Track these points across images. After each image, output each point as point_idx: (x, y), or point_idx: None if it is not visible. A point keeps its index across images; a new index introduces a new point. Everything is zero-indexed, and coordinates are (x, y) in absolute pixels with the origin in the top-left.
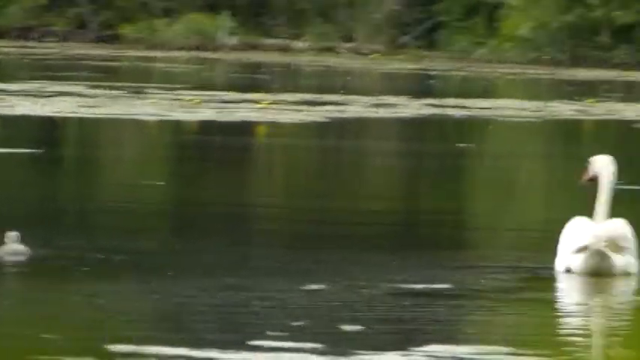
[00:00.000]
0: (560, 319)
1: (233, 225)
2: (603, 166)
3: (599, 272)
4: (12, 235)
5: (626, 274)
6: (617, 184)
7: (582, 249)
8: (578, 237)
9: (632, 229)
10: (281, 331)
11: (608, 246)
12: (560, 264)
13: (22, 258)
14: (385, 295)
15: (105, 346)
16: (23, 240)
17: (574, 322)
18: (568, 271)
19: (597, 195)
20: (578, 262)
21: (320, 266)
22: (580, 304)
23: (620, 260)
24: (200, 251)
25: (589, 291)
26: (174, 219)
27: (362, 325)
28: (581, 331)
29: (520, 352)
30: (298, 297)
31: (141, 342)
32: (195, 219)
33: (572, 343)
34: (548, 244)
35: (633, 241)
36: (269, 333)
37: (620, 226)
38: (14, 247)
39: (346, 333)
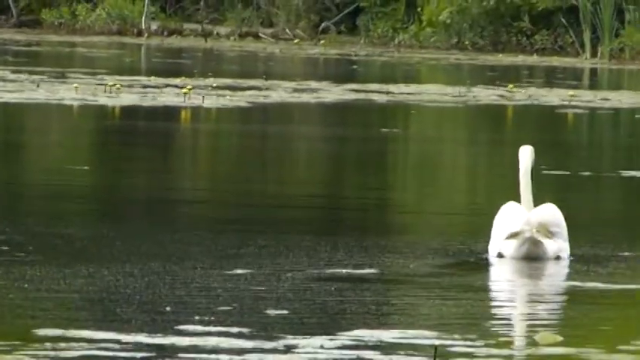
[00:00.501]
0: (489, 304)
1: (158, 210)
2: (520, 155)
3: (531, 258)
4: None
5: (558, 258)
6: (540, 169)
7: (514, 235)
8: (510, 223)
9: (561, 214)
10: (207, 315)
11: (539, 231)
12: (492, 249)
13: None
14: (311, 280)
15: (32, 330)
16: None
17: (502, 307)
18: (500, 256)
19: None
20: (510, 247)
21: (245, 251)
22: (509, 290)
23: (552, 245)
24: (125, 236)
25: (519, 276)
26: (99, 204)
27: (287, 310)
28: (509, 317)
29: (446, 336)
30: (223, 281)
31: (68, 326)
32: (120, 204)
33: (500, 328)
34: (475, 229)
35: (564, 225)
36: (195, 318)
37: (552, 212)
38: None
39: (272, 317)
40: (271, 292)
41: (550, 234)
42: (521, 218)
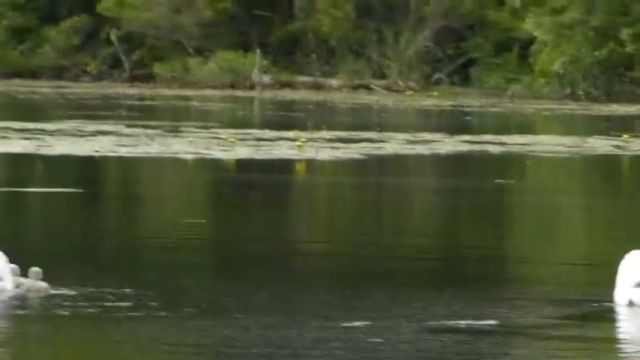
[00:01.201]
0: (614, 356)
1: (274, 262)
2: None
3: None
4: (35, 270)
5: None
6: None
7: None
8: (632, 271)
9: None
10: None
11: None
12: (620, 297)
13: (42, 294)
14: (428, 332)
15: None
16: (50, 277)
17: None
18: (630, 304)
19: None
20: (627, 295)
21: (362, 303)
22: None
23: None
24: (241, 289)
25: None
26: (215, 256)
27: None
28: None
29: None
30: (340, 334)
31: None
32: (236, 256)
33: None
34: (594, 280)
35: None
36: None
37: None
38: (35, 282)
39: None
40: (387, 344)
41: None
42: None
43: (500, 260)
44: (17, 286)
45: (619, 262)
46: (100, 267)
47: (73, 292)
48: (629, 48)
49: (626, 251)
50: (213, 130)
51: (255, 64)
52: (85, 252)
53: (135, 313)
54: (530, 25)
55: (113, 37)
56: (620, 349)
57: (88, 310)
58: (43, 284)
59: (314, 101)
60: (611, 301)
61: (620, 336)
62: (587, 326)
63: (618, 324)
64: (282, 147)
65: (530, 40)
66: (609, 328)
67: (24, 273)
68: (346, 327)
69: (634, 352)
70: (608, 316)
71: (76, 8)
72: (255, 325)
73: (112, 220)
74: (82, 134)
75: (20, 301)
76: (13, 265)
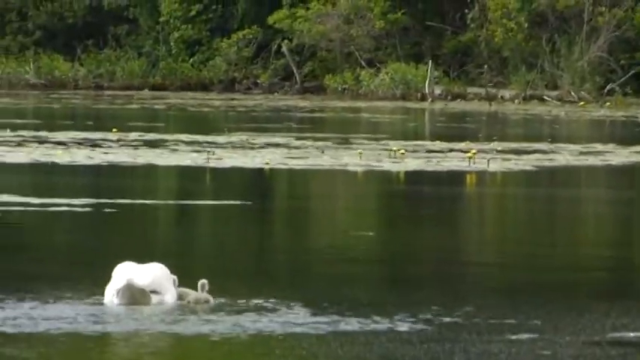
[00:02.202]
0: None
1: (444, 274)
2: None
3: None
4: (203, 282)
5: None
6: None
7: None
8: None
9: None
10: None
11: None
12: None
13: (205, 305)
14: (594, 345)
15: None
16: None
17: None
18: None
19: None
20: None
21: (532, 315)
22: None
23: None
24: (414, 303)
25: None
26: (381, 270)
27: None
28: None
29: None
30: (505, 346)
31: None
32: (404, 270)
33: None
34: None
35: None
36: None
37: None
38: (199, 294)
39: None
40: (552, 357)
41: None
42: None
43: None
44: (181, 297)
45: None
46: (267, 280)
47: (236, 304)
48: None
49: None
50: (384, 141)
51: (426, 75)
52: (253, 265)
53: (298, 320)
54: None
55: (284, 49)
56: None
57: (246, 322)
58: (206, 296)
59: (485, 113)
60: None
61: None
62: None
63: None
64: (453, 159)
65: None
66: None
67: (188, 284)
68: (513, 339)
69: None
70: None
71: (247, 20)
72: (418, 339)
73: (280, 232)
74: (251, 147)
75: (183, 311)
76: (172, 276)
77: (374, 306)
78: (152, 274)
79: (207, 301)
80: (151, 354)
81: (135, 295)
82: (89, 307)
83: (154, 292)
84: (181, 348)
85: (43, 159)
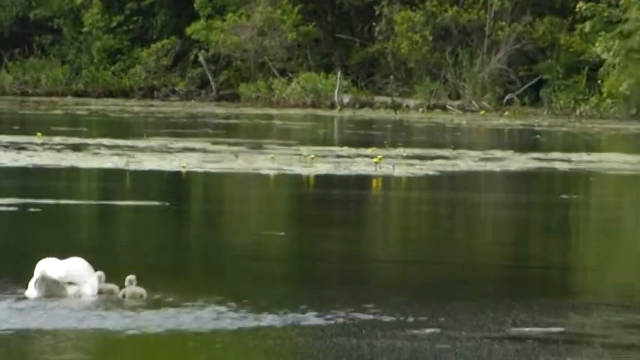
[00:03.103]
0: None
1: (350, 272)
2: None
3: None
4: (130, 278)
5: None
6: None
7: None
8: None
9: None
10: None
11: None
12: None
13: (141, 300)
14: (493, 340)
15: None
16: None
17: None
18: None
19: None
20: None
21: (432, 311)
22: None
23: None
24: (322, 299)
25: None
26: (292, 268)
27: None
28: None
29: None
30: (408, 340)
31: None
32: (312, 268)
33: None
34: None
35: None
36: None
37: None
38: (133, 289)
39: None
40: (452, 351)
41: None
42: None
43: (565, 270)
44: (101, 292)
45: None
46: (185, 276)
47: (154, 300)
48: None
49: None
50: (295, 147)
51: (336, 84)
52: (171, 262)
53: (213, 320)
54: (599, 49)
55: (201, 59)
56: None
57: (162, 317)
58: (140, 290)
59: (391, 120)
60: None
61: None
62: None
63: None
64: (360, 164)
65: (599, 63)
66: None
67: (112, 280)
68: (415, 335)
69: None
70: None
71: (166, 31)
72: (328, 333)
73: (197, 232)
74: (169, 151)
75: (119, 305)
76: (99, 272)
77: (285, 302)
78: (67, 267)
79: (141, 296)
80: (72, 348)
81: (50, 287)
82: (11, 301)
83: (70, 283)
84: (97, 343)
85: None
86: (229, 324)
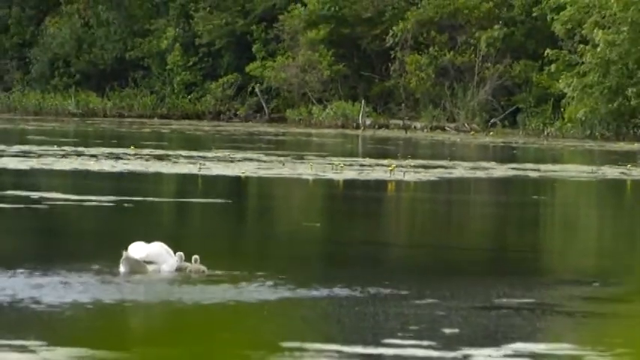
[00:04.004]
0: (615, 325)
1: (369, 254)
2: None
3: None
4: (195, 257)
5: None
6: None
7: None
8: None
9: None
10: (402, 332)
11: None
12: None
13: (201, 275)
14: (479, 309)
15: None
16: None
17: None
18: None
19: None
20: None
21: (433, 286)
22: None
23: None
24: (347, 276)
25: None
26: (325, 250)
27: (459, 329)
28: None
29: (580, 349)
30: (415, 308)
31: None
32: (342, 250)
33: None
34: (605, 269)
35: None
36: (395, 334)
37: None
38: (197, 266)
39: (449, 335)
40: (447, 317)
41: None
42: None
43: (535, 253)
44: (181, 269)
45: (623, 255)
46: (244, 258)
47: (226, 274)
48: (633, 102)
49: (628, 249)
50: (328, 158)
51: (360, 110)
52: (233, 247)
53: (267, 291)
54: (562, 85)
55: (257, 90)
56: (623, 324)
57: (227, 291)
58: (202, 267)
59: (402, 138)
60: (616, 283)
61: (629, 311)
62: (603, 304)
63: (625, 302)
64: (378, 171)
65: (562, 96)
66: (621, 306)
67: (188, 259)
68: (419, 305)
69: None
70: (617, 296)
71: (230, 69)
72: (351, 303)
73: (251, 222)
74: (232, 160)
75: (183, 279)
76: (179, 253)
77: (318, 278)
78: (149, 249)
79: (203, 272)
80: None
81: (132, 265)
82: (105, 276)
83: (150, 262)
84: (174, 314)
85: (80, 167)
86: (273, 296)
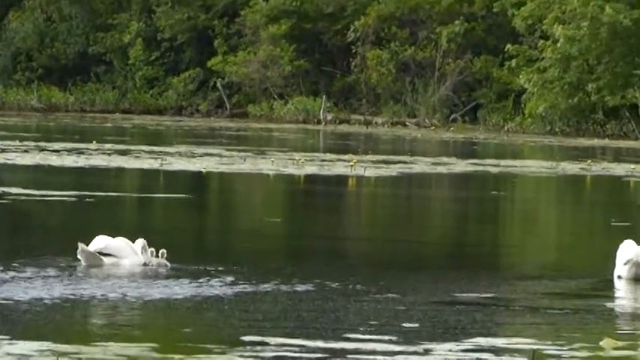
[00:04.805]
0: (576, 319)
1: (329, 247)
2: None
3: (638, 278)
4: (162, 251)
5: None
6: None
7: (628, 262)
8: (625, 254)
9: None
10: (364, 327)
11: None
12: (615, 273)
13: (164, 268)
14: (438, 303)
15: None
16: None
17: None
18: (619, 277)
19: None
20: (625, 271)
21: (391, 280)
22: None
23: None
24: (307, 271)
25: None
26: (286, 245)
27: (419, 324)
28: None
29: (541, 343)
30: (375, 304)
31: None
32: (302, 244)
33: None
34: (565, 262)
35: None
36: (357, 329)
37: None
38: (160, 260)
39: (409, 329)
40: (407, 311)
41: None
42: (634, 250)
43: (495, 248)
44: (146, 264)
45: (583, 249)
46: (203, 253)
47: (187, 269)
48: (594, 98)
49: (584, 242)
50: (289, 153)
51: (321, 106)
52: (192, 241)
53: (226, 285)
54: (523, 80)
55: (219, 85)
56: (582, 318)
57: (185, 286)
58: (165, 262)
59: (363, 133)
60: (575, 277)
61: (589, 306)
62: (562, 299)
63: (583, 297)
64: (340, 166)
65: (522, 91)
66: (580, 301)
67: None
68: (379, 299)
69: (596, 316)
70: (576, 290)
71: (192, 64)
72: (311, 298)
73: (212, 217)
74: (193, 155)
75: (145, 274)
76: (151, 249)
77: (278, 273)
78: (107, 241)
79: (166, 265)
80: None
81: (88, 257)
82: (61, 270)
83: (108, 255)
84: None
85: (42, 162)
86: (233, 290)
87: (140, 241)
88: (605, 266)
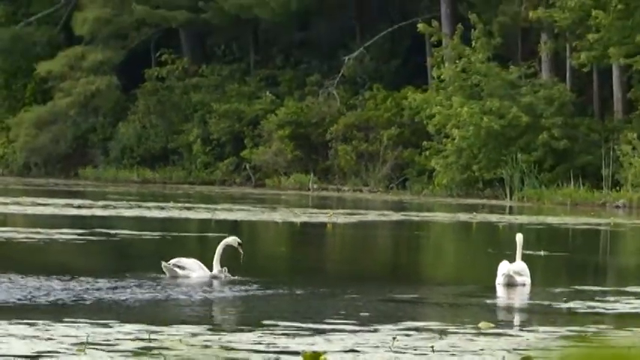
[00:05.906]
0: (473, 311)
1: (317, 267)
2: (517, 239)
3: (510, 285)
4: (224, 268)
5: (523, 285)
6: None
7: (503, 274)
8: (502, 269)
9: (526, 266)
10: (334, 316)
11: (515, 273)
12: (496, 282)
13: (226, 279)
14: (382, 300)
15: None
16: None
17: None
18: (498, 284)
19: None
20: (501, 280)
21: (352, 286)
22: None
23: (520, 279)
24: (295, 281)
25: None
26: (292, 266)
27: (370, 313)
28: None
29: (450, 324)
30: (341, 300)
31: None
32: (298, 265)
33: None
34: (461, 275)
35: (527, 271)
36: (328, 317)
37: (521, 265)
38: (224, 274)
39: (362, 316)
40: (364, 305)
41: (520, 275)
42: (507, 267)
43: (417, 267)
44: (216, 277)
45: (473, 267)
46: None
47: (242, 279)
48: (477, 174)
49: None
50: (290, 208)
51: (310, 180)
52: (235, 260)
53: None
54: (433, 163)
55: (247, 167)
56: (472, 309)
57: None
58: (226, 274)
59: (336, 197)
60: (468, 284)
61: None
62: (460, 297)
63: (474, 296)
64: (322, 217)
65: (433, 170)
66: (472, 299)
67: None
68: (345, 297)
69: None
70: (468, 293)
71: (231, 154)
72: (288, 299)
73: (245, 246)
74: (232, 210)
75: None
76: (221, 268)
77: (281, 280)
78: (182, 259)
79: (226, 277)
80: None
81: (168, 270)
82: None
83: (181, 267)
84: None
85: (140, 214)
86: (266, 292)
87: (223, 268)
88: (488, 278)
